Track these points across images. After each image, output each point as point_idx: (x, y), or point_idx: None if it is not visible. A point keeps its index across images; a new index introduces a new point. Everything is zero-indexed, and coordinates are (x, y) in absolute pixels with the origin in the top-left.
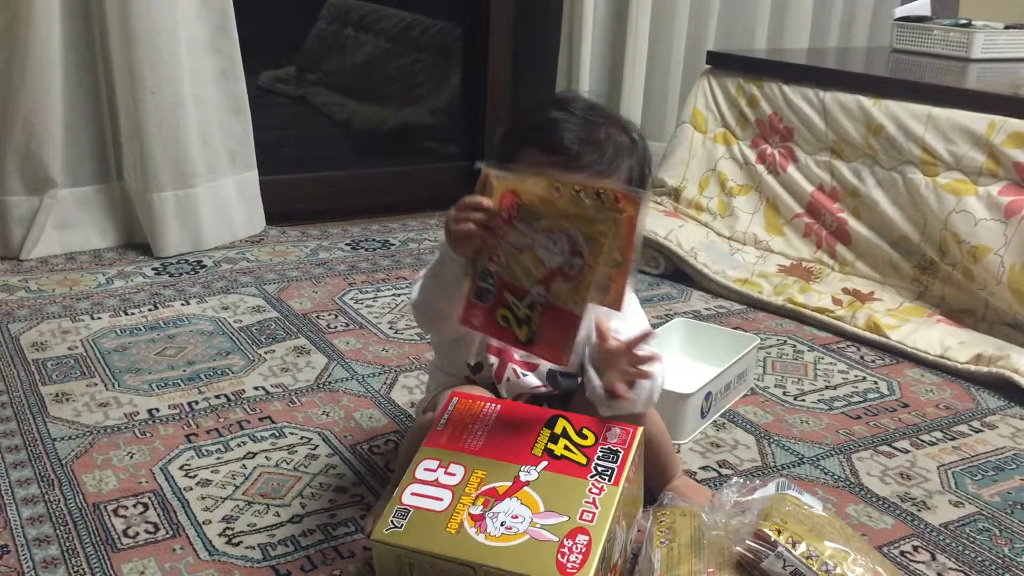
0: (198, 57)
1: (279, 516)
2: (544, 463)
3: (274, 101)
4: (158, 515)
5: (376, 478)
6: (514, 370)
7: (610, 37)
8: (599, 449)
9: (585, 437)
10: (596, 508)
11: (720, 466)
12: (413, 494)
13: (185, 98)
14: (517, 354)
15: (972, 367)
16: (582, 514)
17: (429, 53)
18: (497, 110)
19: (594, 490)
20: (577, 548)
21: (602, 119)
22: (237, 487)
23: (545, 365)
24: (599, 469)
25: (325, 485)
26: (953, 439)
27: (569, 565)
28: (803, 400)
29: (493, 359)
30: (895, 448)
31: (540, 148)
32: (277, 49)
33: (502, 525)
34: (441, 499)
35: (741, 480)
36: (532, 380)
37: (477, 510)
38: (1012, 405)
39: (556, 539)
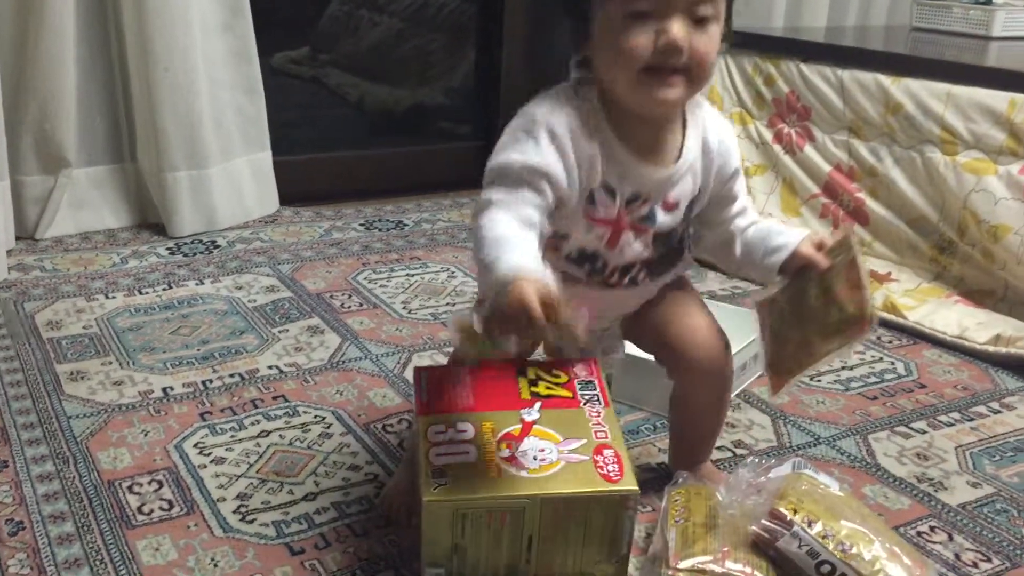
0: (212, 37)
1: (293, 494)
2: (538, 403)
3: (288, 83)
4: (172, 492)
5: (390, 457)
6: (626, 237)
7: None
8: (575, 383)
9: (558, 376)
10: (604, 426)
11: (735, 446)
12: (438, 455)
13: (199, 78)
14: (628, 219)
15: (991, 348)
16: (596, 434)
17: (443, 33)
18: (512, 90)
19: (593, 414)
20: (609, 460)
21: None
22: (251, 465)
23: (655, 229)
24: (586, 397)
25: (339, 463)
26: (971, 420)
27: (612, 475)
28: (819, 381)
29: (594, 227)
30: (912, 429)
31: None
32: (291, 30)
33: (535, 459)
34: (467, 452)
35: (757, 460)
36: (638, 246)
37: (506, 453)
38: None
39: (587, 458)
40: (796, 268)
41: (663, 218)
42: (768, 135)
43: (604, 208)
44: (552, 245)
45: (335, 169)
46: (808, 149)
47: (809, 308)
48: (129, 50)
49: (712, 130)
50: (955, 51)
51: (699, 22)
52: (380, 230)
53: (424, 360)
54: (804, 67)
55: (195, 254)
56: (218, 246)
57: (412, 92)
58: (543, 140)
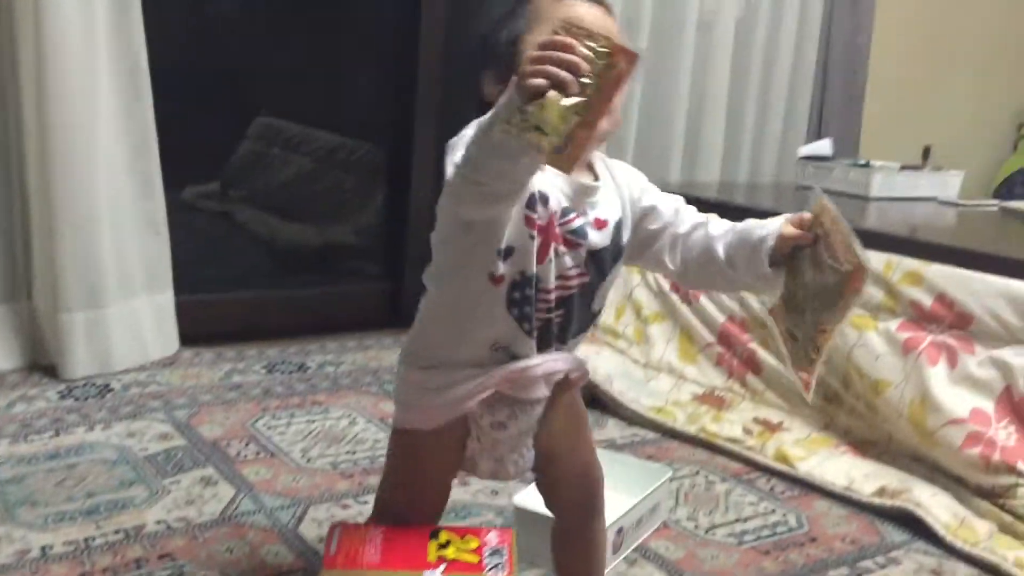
0: (116, 176)
1: None
2: (443, 565)
3: (197, 217)
4: None
5: None
6: (555, 249)
7: None
8: (484, 549)
9: (468, 541)
10: None
11: None
12: None
13: (101, 218)
14: (559, 230)
15: (877, 500)
16: None
17: (354, 174)
18: (420, 233)
19: None
20: None
21: None
22: None
23: (587, 246)
24: (491, 564)
25: None
26: (859, 575)
27: None
28: (714, 533)
29: (534, 235)
30: None
31: None
32: (202, 164)
33: None
34: None
35: None
36: (569, 261)
37: None
38: (916, 539)
39: None
40: (785, 253)
41: (594, 235)
42: (666, 284)
43: (538, 214)
44: (494, 278)
45: (240, 308)
46: (703, 300)
47: (809, 289)
48: (31, 190)
49: (613, 163)
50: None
51: None
52: (282, 373)
53: (320, 512)
54: None
55: (87, 398)
56: (111, 390)
57: (322, 231)
58: None
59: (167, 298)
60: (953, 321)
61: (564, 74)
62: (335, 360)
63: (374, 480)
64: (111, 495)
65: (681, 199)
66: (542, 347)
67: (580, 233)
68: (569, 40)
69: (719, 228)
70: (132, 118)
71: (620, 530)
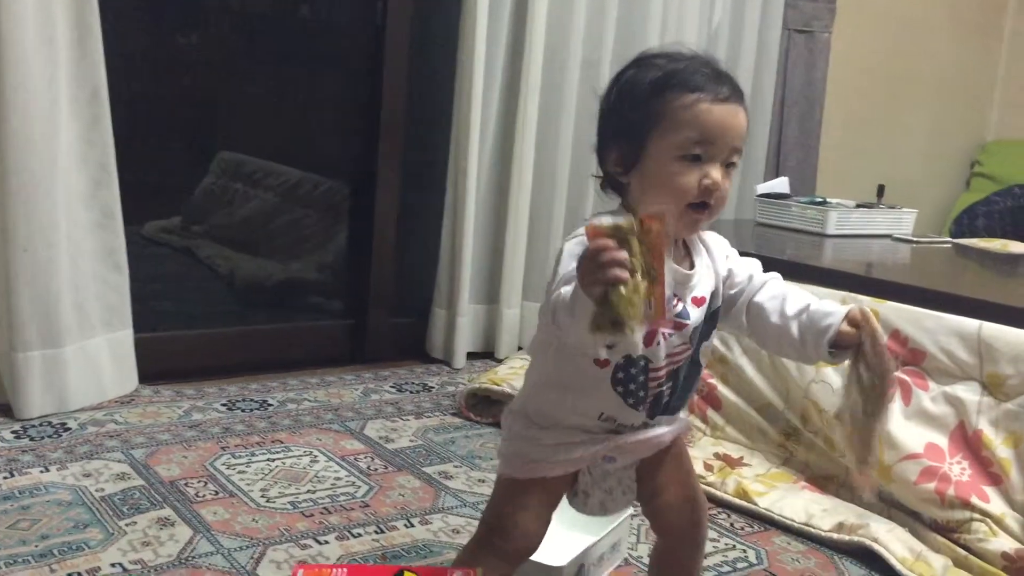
0: (75, 215)
1: None
2: None
3: (157, 252)
4: None
5: None
6: (663, 333)
7: (493, 202)
8: None
9: None
10: None
11: None
12: None
13: (60, 256)
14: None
15: (835, 535)
16: None
17: (317, 210)
18: (382, 269)
19: None
20: None
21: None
22: None
23: (692, 323)
24: None
25: None
26: None
27: None
28: None
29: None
30: None
31: (686, 89)
32: (164, 199)
33: None
34: None
35: None
36: (676, 340)
37: None
38: (873, 574)
39: None
40: (846, 346)
41: (695, 313)
42: None
43: None
44: (599, 362)
45: (200, 345)
46: None
47: (861, 391)
48: None
49: (705, 237)
50: (794, 247)
51: (727, 167)
52: (243, 411)
53: (279, 554)
54: None
55: (43, 438)
56: (68, 429)
57: (284, 266)
58: None
59: (126, 335)
60: (907, 357)
61: (611, 274)
62: (296, 397)
63: (335, 519)
64: (66, 537)
65: (757, 264)
66: (651, 415)
67: (683, 315)
68: (600, 244)
69: (794, 306)
70: (92, 146)
71: (581, 567)
